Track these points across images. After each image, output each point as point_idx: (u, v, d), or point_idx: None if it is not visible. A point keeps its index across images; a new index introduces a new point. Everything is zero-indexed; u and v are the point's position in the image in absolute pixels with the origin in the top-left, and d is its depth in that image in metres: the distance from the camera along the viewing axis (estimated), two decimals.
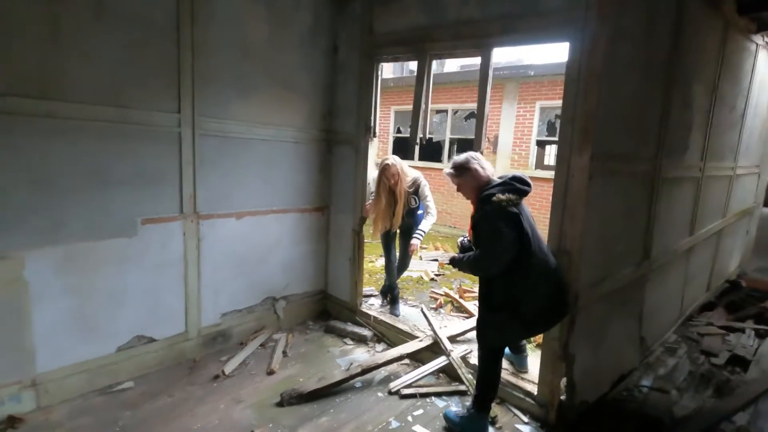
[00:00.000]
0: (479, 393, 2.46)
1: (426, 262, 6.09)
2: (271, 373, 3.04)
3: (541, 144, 8.55)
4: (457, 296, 4.54)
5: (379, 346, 3.51)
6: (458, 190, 2.46)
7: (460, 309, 4.31)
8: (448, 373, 3.08)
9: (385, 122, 9.99)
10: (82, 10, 2.40)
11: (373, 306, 4.01)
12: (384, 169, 3.58)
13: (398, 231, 3.92)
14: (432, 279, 5.36)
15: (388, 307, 4.00)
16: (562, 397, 2.59)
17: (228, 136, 3.14)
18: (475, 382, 2.59)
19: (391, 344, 3.45)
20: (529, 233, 2.19)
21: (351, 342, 3.59)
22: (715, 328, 4.16)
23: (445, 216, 8.74)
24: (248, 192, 3.35)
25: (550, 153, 11.91)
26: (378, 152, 8.49)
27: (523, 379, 2.85)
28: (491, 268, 2.23)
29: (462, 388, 2.90)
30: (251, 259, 3.45)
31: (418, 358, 3.22)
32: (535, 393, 2.67)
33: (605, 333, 2.93)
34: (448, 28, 2.95)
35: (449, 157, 9.06)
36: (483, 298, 2.36)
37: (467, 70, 9.81)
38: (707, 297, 4.89)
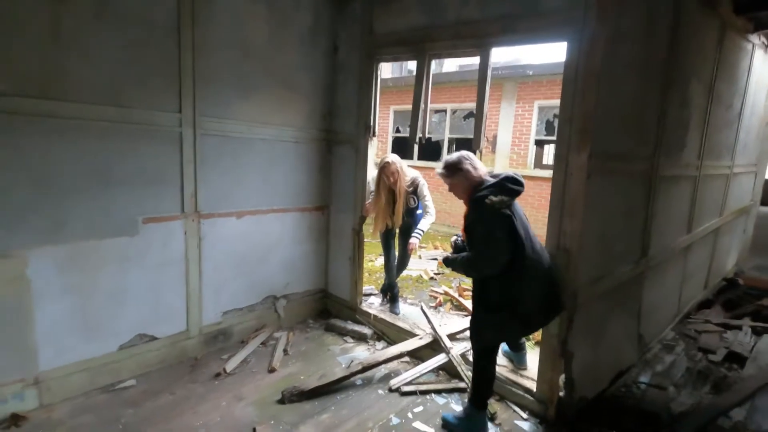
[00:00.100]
0: (476, 392, 2.48)
1: (425, 261, 6.12)
2: (272, 371, 3.06)
3: (539, 143, 8.58)
4: (456, 295, 4.56)
5: (380, 344, 3.53)
6: (450, 190, 2.43)
7: (460, 307, 4.33)
8: (448, 370, 3.11)
9: (384, 122, 10.00)
10: (83, 10, 2.41)
11: (373, 304, 4.03)
12: (384, 167, 3.59)
13: (398, 230, 3.95)
14: (431, 278, 5.39)
15: (388, 305, 4.01)
16: (561, 394, 2.61)
17: (228, 136, 3.16)
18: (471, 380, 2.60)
19: (391, 342, 3.47)
20: (522, 234, 2.20)
21: (351, 340, 3.60)
22: (713, 325, 4.20)
23: (444, 215, 8.76)
24: (249, 191, 3.36)
25: (549, 152, 11.95)
26: (377, 152, 8.51)
27: (522, 376, 2.88)
28: (485, 271, 2.24)
29: (462, 385, 2.92)
30: (252, 258, 3.47)
31: (418, 355, 3.24)
32: (535, 390, 2.70)
33: (604, 330, 2.95)
34: (448, 28, 2.96)
35: None
36: (478, 299, 2.37)
37: (466, 69, 9.83)
38: (705, 295, 4.92)
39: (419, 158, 9.53)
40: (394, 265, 4.06)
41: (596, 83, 2.29)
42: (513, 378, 2.84)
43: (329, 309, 4.08)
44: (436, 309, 4.25)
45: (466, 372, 2.96)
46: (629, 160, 2.88)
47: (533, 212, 7.66)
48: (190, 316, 3.13)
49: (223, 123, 3.10)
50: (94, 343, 2.70)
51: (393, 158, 3.63)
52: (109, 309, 2.74)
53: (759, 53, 4.87)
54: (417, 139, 3.30)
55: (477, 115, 2.94)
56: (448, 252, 2.57)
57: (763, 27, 4.39)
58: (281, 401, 2.71)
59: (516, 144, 8.15)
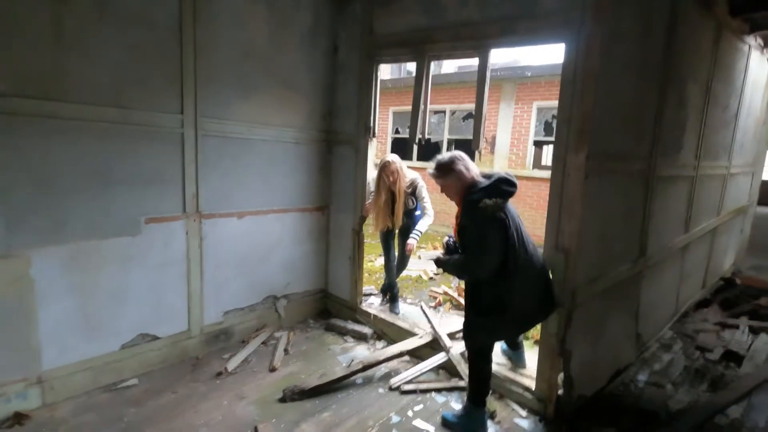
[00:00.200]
0: (474, 390, 2.50)
1: (425, 261, 6.12)
2: (273, 370, 3.07)
3: (538, 144, 8.60)
4: (455, 294, 4.58)
5: (380, 344, 3.55)
6: (442, 191, 2.41)
7: (459, 307, 4.35)
8: (448, 369, 3.12)
9: (384, 123, 10.02)
10: (84, 10, 2.41)
11: (373, 304, 4.05)
12: (384, 166, 3.62)
13: (397, 231, 3.97)
14: (431, 278, 5.41)
15: (388, 305, 4.04)
16: (560, 392, 2.63)
17: (229, 137, 3.17)
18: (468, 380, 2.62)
19: (391, 341, 3.49)
20: (516, 236, 2.20)
21: (351, 340, 3.62)
22: (710, 324, 4.23)
23: (444, 216, 8.76)
24: (249, 192, 3.38)
25: (547, 153, 11.97)
26: (377, 153, 8.52)
27: (521, 374, 2.90)
28: (477, 273, 2.26)
29: (461, 383, 2.94)
30: (252, 258, 3.49)
31: (417, 354, 3.26)
32: (533, 388, 2.72)
33: (602, 329, 2.97)
34: (448, 30, 2.98)
35: None
36: (471, 301, 2.38)
37: (465, 71, 9.87)
38: (702, 294, 4.95)
39: (418, 159, 9.55)
40: (394, 266, 4.09)
41: (594, 84, 2.32)
42: (512, 376, 2.86)
43: (329, 309, 4.10)
44: (435, 308, 4.27)
45: (466, 371, 2.98)
46: (627, 161, 2.90)
47: (532, 212, 7.69)
48: (192, 315, 3.15)
49: (223, 124, 3.12)
50: (96, 343, 2.72)
51: (393, 158, 3.66)
52: (111, 309, 2.75)
53: (755, 54, 4.91)
54: (416, 140, 3.32)
55: (476, 116, 2.95)
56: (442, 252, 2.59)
57: (758, 28, 4.42)
58: (282, 400, 2.72)
59: (515, 145, 8.18)
